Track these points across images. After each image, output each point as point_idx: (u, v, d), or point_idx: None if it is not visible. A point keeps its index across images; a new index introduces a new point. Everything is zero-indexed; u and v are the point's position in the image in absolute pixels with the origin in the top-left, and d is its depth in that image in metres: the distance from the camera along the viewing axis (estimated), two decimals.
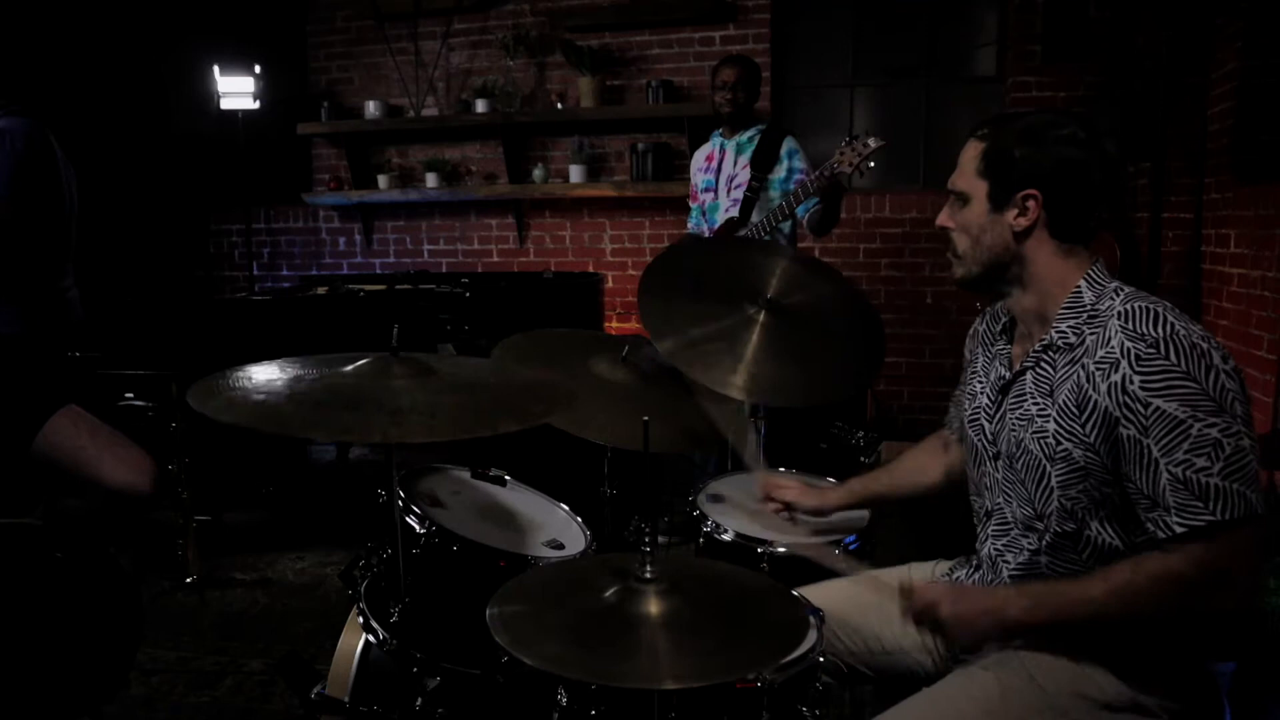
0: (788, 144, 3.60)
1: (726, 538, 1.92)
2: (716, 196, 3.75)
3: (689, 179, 4.02)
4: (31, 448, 2.32)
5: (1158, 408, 1.29)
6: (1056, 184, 1.41)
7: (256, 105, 5.24)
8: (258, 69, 5.19)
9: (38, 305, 2.49)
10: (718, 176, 3.75)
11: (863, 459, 3.76)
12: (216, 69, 5.14)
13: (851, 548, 1.92)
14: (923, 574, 1.73)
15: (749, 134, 3.68)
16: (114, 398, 3.43)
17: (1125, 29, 4.27)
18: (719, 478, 2.24)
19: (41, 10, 4.83)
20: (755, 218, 3.55)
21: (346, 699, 1.73)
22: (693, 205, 3.93)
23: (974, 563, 1.62)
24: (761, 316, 2.03)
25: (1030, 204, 1.42)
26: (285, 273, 6.02)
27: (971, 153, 1.48)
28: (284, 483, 4.38)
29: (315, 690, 1.72)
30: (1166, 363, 1.30)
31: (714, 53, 4.93)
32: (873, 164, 3.17)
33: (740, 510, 2.04)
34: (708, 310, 2.04)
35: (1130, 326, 1.34)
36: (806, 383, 2.02)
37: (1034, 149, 1.41)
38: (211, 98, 5.18)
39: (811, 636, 1.48)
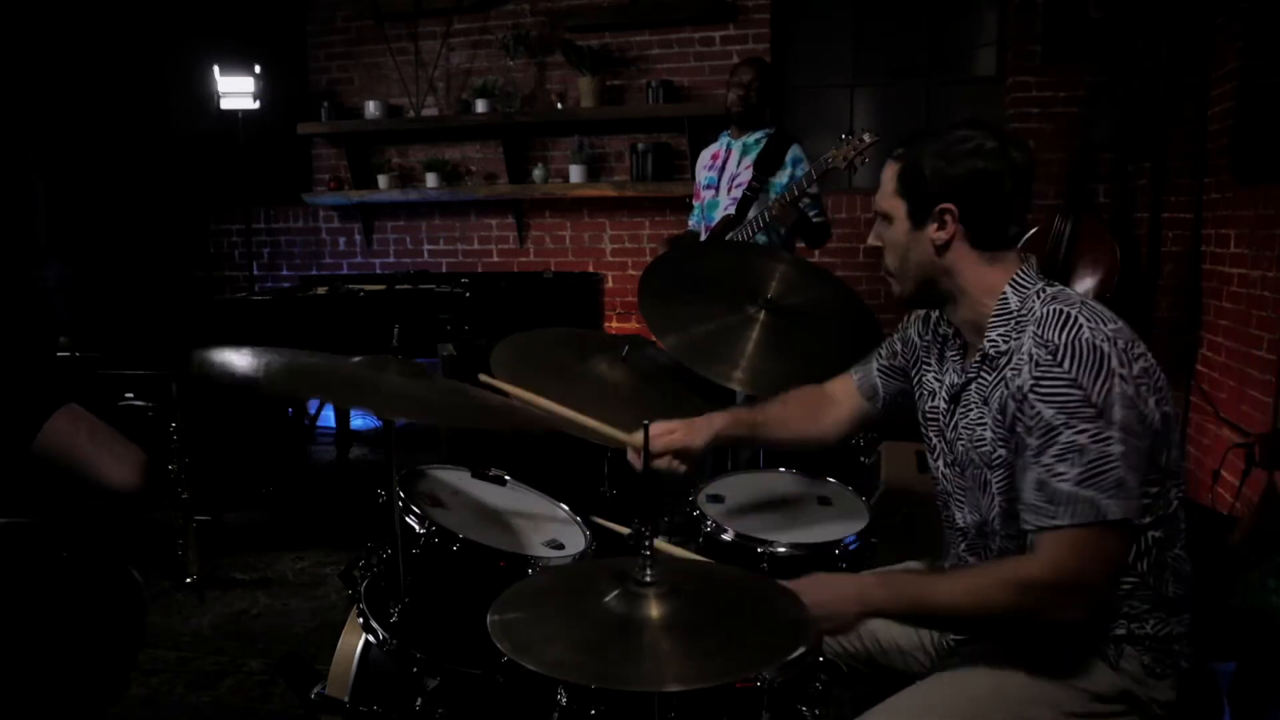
0: (793, 151, 3.63)
1: (726, 538, 1.92)
2: (717, 194, 3.77)
3: (689, 179, 4.04)
4: (32, 447, 2.32)
5: (1039, 412, 1.34)
6: (969, 195, 1.44)
7: (256, 105, 5.24)
8: (258, 69, 5.19)
9: (9, 294, 2.46)
10: (720, 174, 3.77)
11: (862, 459, 3.76)
12: (216, 69, 5.14)
13: (852, 547, 1.92)
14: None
15: (756, 136, 3.70)
16: (114, 398, 3.43)
17: (1125, 29, 4.27)
18: (719, 478, 2.24)
19: (41, 10, 4.83)
20: (751, 216, 3.56)
21: (346, 699, 1.73)
22: (695, 204, 3.94)
23: (948, 566, 1.64)
24: (761, 315, 2.04)
25: (947, 218, 1.45)
26: (285, 273, 6.02)
27: (889, 173, 1.52)
28: (284, 483, 4.38)
29: (315, 690, 1.72)
30: (1059, 370, 1.34)
31: (714, 53, 4.93)
32: (866, 159, 3.20)
33: (740, 510, 2.05)
34: (709, 309, 2.05)
35: (1040, 332, 1.38)
36: (805, 380, 2.03)
37: (944, 164, 1.44)
38: (211, 98, 5.18)
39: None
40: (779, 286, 2.12)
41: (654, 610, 1.21)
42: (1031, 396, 1.35)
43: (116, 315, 3.89)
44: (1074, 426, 1.31)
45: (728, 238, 3.59)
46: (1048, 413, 1.33)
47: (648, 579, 1.25)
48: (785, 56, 5.13)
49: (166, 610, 3.20)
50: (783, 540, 1.89)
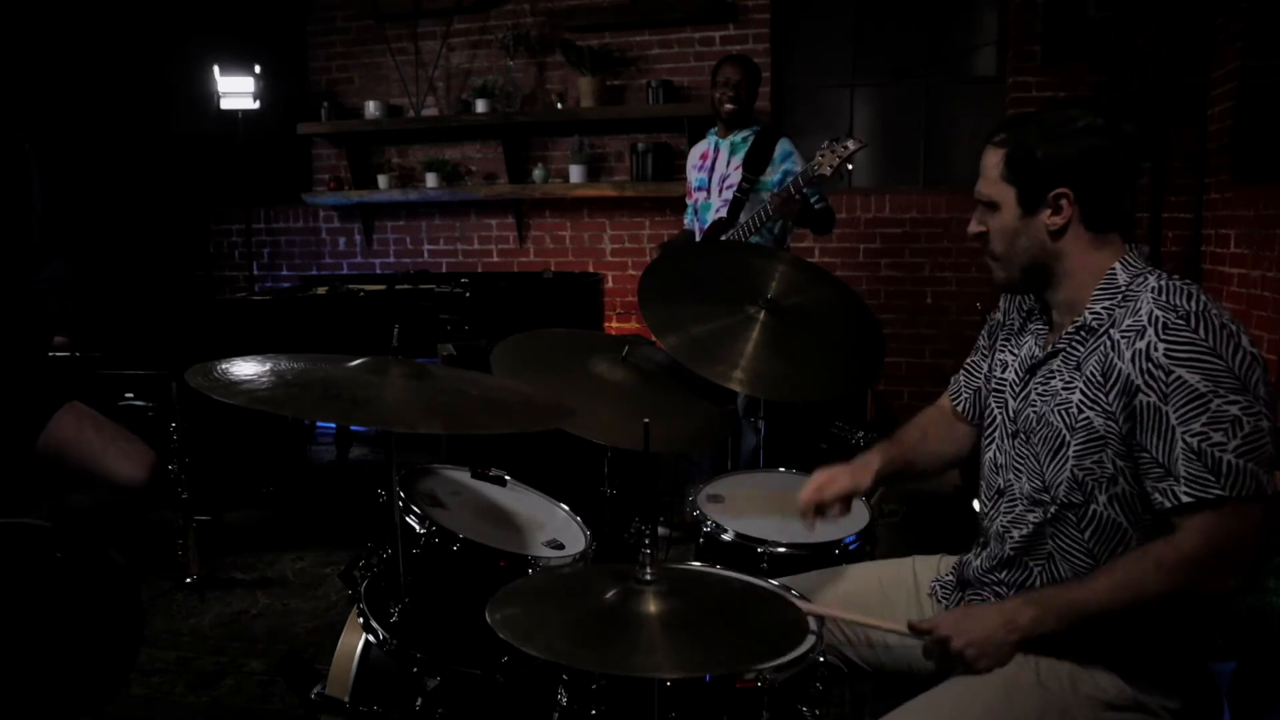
0: (782, 146, 3.58)
1: (726, 538, 1.92)
2: (709, 196, 3.73)
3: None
4: (36, 445, 2.32)
5: (1180, 377, 1.30)
6: (1086, 177, 1.41)
7: (256, 105, 5.23)
8: (258, 69, 5.19)
9: (7, 295, 2.46)
10: (710, 175, 3.73)
11: None
12: (216, 69, 5.14)
13: (852, 547, 1.92)
14: (926, 566, 1.74)
15: (744, 134, 3.66)
16: (114, 398, 3.43)
17: (1125, 29, 4.27)
18: (719, 478, 2.24)
19: (42, 10, 4.83)
20: (743, 219, 3.53)
21: (346, 699, 1.73)
22: (688, 202, 3.92)
23: (981, 541, 1.62)
24: (762, 316, 2.04)
25: (1063, 202, 1.42)
26: (285, 273, 6.02)
27: (993, 159, 1.47)
28: (284, 483, 4.38)
29: (315, 690, 1.72)
30: (1194, 335, 1.31)
31: (714, 53, 4.93)
32: (851, 166, 3.20)
33: (740, 510, 2.05)
34: (709, 309, 2.05)
35: (1163, 299, 1.35)
36: (806, 380, 2.03)
37: (1057, 146, 1.41)
38: (211, 98, 5.18)
39: (810, 637, 1.48)
40: (779, 286, 2.12)
41: (652, 607, 1.22)
42: (1166, 361, 1.30)
43: (117, 315, 3.89)
44: (1223, 396, 1.28)
45: (721, 240, 3.57)
46: (1193, 379, 1.29)
47: (648, 578, 1.25)
48: (785, 56, 5.13)
49: (166, 610, 3.19)
50: (783, 540, 1.89)
